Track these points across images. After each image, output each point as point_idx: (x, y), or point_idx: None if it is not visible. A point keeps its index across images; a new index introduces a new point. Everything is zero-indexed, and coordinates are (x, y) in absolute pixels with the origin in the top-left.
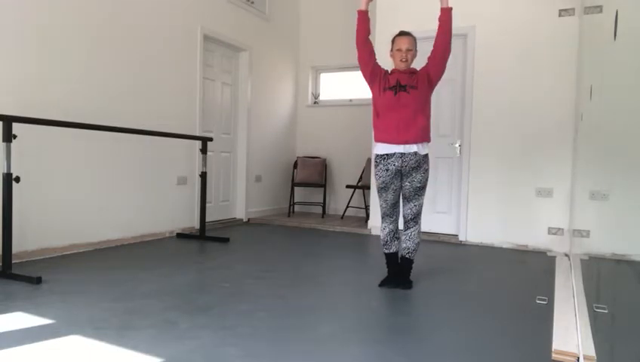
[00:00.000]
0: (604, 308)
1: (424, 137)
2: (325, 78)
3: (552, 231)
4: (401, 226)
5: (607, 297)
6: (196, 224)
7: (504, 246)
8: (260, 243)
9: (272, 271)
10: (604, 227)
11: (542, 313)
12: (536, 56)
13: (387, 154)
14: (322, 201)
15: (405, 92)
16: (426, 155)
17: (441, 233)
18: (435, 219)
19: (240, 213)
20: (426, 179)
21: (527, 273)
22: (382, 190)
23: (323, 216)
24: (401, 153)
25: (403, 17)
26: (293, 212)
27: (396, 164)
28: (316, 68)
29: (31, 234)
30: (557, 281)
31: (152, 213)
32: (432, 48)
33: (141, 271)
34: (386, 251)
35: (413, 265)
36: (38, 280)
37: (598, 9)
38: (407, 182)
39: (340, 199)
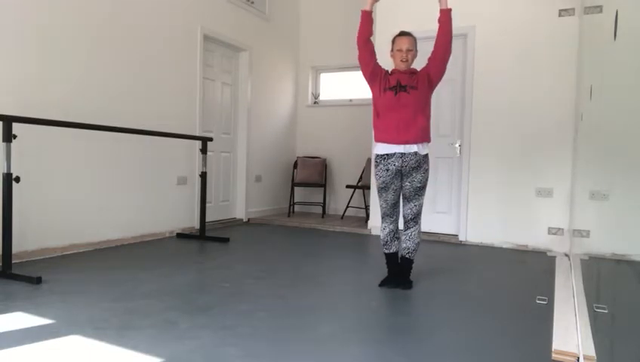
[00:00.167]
0: (604, 308)
1: (424, 137)
2: (325, 78)
3: (552, 231)
4: (401, 226)
5: (607, 297)
6: (196, 224)
7: (504, 246)
8: (260, 243)
9: (272, 271)
10: (604, 227)
11: (542, 313)
12: (536, 56)
13: (387, 155)
14: (322, 201)
15: (405, 92)
16: (426, 155)
17: (441, 233)
18: (435, 219)
19: (240, 213)
20: (426, 179)
21: (527, 273)
22: (382, 190)
23: (323, 216)
24: (401, 153)
25: (403, 17)
26: (293, 212)
27: (396, 164)
28: (316, 68)
29: (31, 234)
30: (557, 281)
31: (152, 213)
32: (432, 49)
33: (141, 271)
34: (386, 251)
35: (413, 265)
36: (38, 280)
37: (598, 9)
38: (408, 182)
39: (340, 199)
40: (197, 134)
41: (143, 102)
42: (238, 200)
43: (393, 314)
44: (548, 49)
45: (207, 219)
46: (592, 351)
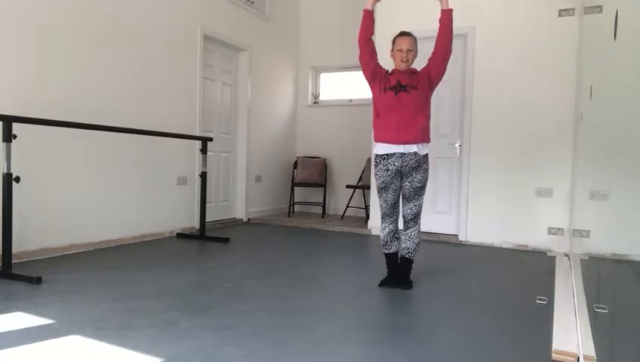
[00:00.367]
0: (604, 308)
1: (424, 137)
2: (325, 78)
3: (552, 231)
4: (400, 226)
5: (607, 297)
6: (196, 224)
7: (504, 246)
8: (260, 243)
9: (272, 271)
10: (604, 227)
11: (542, 313)
12: (536, 56)
13: (387, 154)
14: (322, 201)
15: (405, 92)
16: (426, 155)
17: (441, 233)
18: (435, 219)
19: (240, 213)
20: (426, 179)
21: (527, 273)
22: (382, 190)
23: (323, 216)
24: (401, 153)
25: (403, 17)
26: (293, 212)
27: (396, 164)
28: (316, 68)
29: (31, 234)
30: (557, 281)
31: (152, 213)
32: (432, 49)
33: (141, 271)
34: (386, 251)
35: (413, 265)
36: (38, 280)
37: (598, 9)
38: (407, 182)
39: (339, 199)
40: (197, 134)
41: (143, 102)
42: (238, 200)
43: (393, 314)
44: (548, 49)
45: (207, 219)
46: (592, 351)
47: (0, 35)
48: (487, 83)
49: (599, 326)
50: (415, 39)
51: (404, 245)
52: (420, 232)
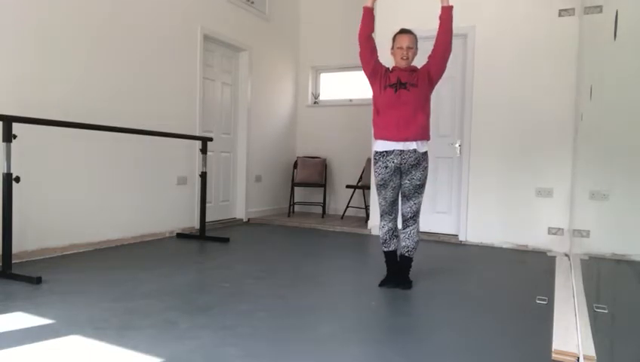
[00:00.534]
0: (604, 308)
1: (424, 135)
2: (325, 78)
3: (552, 231)
4: (400, 226)
5: (607, 297)
6: (196, 224)
7: (504, 246)
8: (260, 243)
9: (272, 271)
10: (604, 227)
11: (542, 313)
12: (536, 56)
13: (386, 152)
14: (322, 201)
15: (405, 90)
16: (426, 153)
17: (441, 233)
18: (435, 219)
19: (240, 213)
20: (426, 177)
21: (527, 273)
22: (381, 187)
23: (323, 216)
24: (400, 150)
25: (403, 16)
26: (293, 212)
27: (395, 161)
28: (316, 68)
29: (31, 234)
30: (557, 281)
31: (152, 213)
32: (432, 47)
33: (141, 271)
34: (385, 249)
35: (413, 265)
36: (38, 280)
37: (598, 9)
38: (407, 180)
39: (339, 199)
40: (197, 134)
41: (143, 102)
42: (238, 200)
43: (393, 314)
44: (548, 49)
45: (207, 219)
46: (592, 351)
47: (0, 35)
48: (487, 83)
49: (599, 326)
50: (415, 37)
51: (404, 243)
52: (419, 231)
